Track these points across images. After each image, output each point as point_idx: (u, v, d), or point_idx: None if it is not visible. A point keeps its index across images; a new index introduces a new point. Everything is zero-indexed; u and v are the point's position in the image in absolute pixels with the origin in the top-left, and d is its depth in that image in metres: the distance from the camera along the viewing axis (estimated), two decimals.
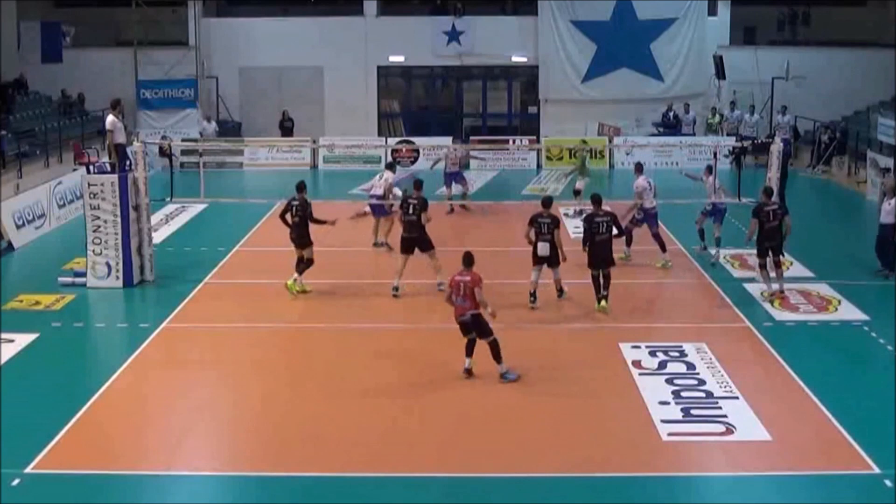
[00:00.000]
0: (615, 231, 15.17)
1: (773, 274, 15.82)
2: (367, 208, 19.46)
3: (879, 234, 17.18)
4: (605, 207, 15.35)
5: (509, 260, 17.43)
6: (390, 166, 20.19)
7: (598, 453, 10.41)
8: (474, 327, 12.12)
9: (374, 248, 19.10)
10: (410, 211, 15.87)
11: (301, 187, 16.17)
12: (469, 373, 12.25)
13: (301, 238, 15.94)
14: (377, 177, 20.30)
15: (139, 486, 9.77)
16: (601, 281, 15.09)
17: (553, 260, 15.25)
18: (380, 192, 18.98)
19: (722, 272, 17.42)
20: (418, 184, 16.40)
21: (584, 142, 28.33)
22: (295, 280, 15.78)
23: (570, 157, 26.23)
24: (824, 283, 16.68)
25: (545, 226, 15.13)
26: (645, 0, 30.95)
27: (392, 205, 18.46)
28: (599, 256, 15.05)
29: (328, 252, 18.84)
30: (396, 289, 15.86)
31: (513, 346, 12.58)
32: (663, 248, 17.70)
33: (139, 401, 11.86)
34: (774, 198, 16.25)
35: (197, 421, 11.30)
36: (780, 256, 15.82)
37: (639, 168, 18.34)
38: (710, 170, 18.09)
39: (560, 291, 15.61)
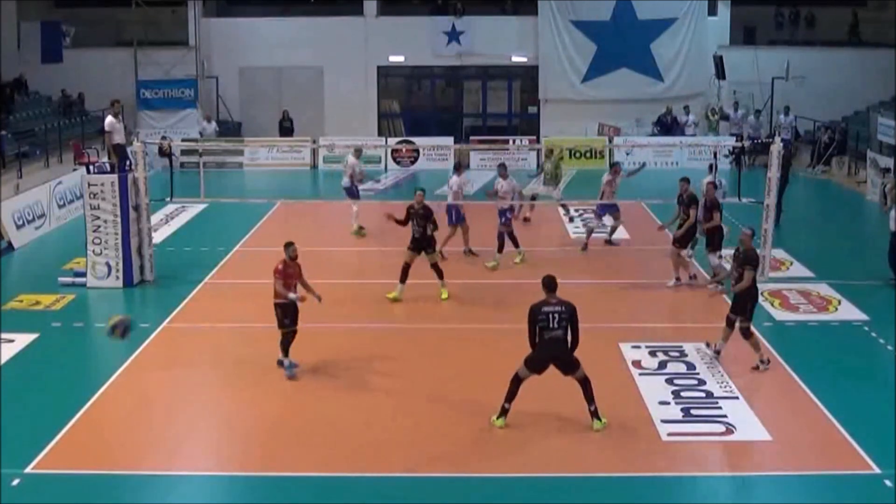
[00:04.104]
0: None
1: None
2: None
3: (892, 242, 16.46)
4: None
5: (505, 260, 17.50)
6: (456, 168, 19.01)
7: (598, 453, 10.42)
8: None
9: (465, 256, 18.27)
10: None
11: None
12: None
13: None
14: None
15: (139, 486, 9.76)
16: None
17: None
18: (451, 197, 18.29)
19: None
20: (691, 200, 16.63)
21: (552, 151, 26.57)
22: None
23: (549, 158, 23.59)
24: (824, 283, 16.67)
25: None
26: (645, 0, 30.96)
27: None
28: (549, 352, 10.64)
29: (327, 252, 18.88)
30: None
31: (513, 345, 12.56)
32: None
33: (139, 401, 11.85)
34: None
35: (197, 421, 11.31)
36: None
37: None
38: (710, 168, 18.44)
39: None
